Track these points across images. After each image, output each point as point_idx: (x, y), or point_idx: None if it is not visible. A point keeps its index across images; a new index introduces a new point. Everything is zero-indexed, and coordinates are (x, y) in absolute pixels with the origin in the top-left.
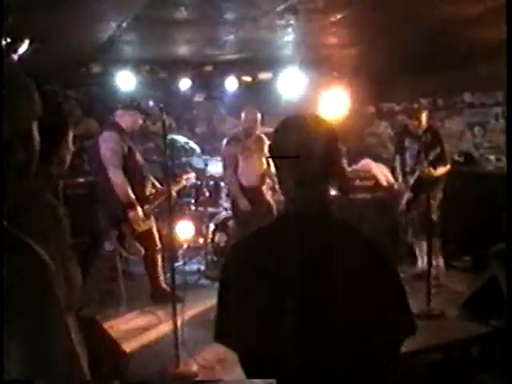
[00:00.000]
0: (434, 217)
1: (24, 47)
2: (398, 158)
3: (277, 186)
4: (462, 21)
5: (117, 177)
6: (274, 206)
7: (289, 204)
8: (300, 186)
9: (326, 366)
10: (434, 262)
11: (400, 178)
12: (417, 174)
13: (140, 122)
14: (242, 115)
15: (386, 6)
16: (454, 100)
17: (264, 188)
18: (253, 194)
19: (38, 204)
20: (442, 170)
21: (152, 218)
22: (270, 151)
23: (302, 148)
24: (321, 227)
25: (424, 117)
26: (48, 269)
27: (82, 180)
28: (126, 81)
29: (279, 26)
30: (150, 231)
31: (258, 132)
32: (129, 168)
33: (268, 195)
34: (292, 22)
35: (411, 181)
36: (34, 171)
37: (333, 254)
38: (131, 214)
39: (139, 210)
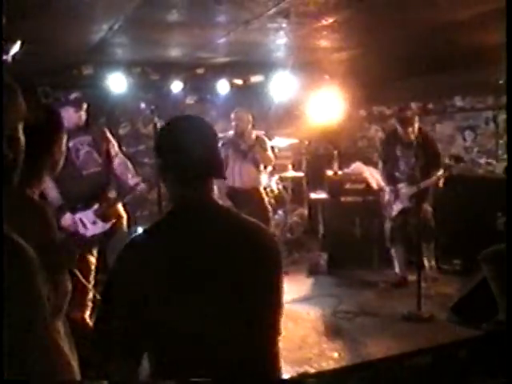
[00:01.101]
0: (432, 223)
1: (15, 49)
2: (384, 165)
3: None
4: (453, 25)
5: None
6: (270, 208)
7: (175, 200)
8: (184, 183)
9: (223, 358)
10: (427, 266)
11: (387, 186)
12: (416, 186)
13: (77, 115)
14: (232, 116)
15: (377, 10)
16: (445, 104)
17: (261, 189)
18: (246, 195)
19: (26, 206)
20: (438, 176)
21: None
22: (156, 152)
23: (184, 147)
24: (206, 218)
25: (416, 123)
26: (32, 263)
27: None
28: (117, 83)
29: (271, 29)
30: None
31: (250, 132)
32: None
33: (265, 197)
34: (284, 25)
35: (404, 190)
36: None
37: (217, 246)
38: (64, 222)
39: (69, 216)
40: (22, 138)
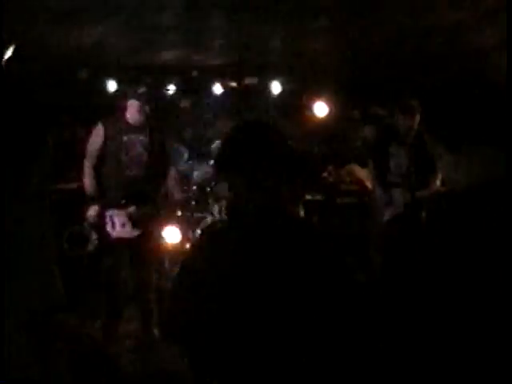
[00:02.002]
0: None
1: (9, 52)
2: (374, 164)
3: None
4: (449, 26)
5: (85, 166)
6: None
7: (240, 207)
8: (253, 189)
9: (276, 369)
10: None
11: (378, 188)
12: (412, 192)
13: (140, 112)
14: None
15: (371, 12)
16: None
17: None
18: None
19: (22, 208)
20: (437, 182)
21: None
22: (220, 157)
23: (255, 153)
24: (276, 229)
25: (418, 115)
26: None
27: (69, 186)
28: (112, 86)
29: (265, 31)
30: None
31: None
32: (115, 162)
33: None
34: (278, 27)
35: (398, 195)
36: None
37: (287, 258)
38: (88, 212)
39: (96, 208)
40: None
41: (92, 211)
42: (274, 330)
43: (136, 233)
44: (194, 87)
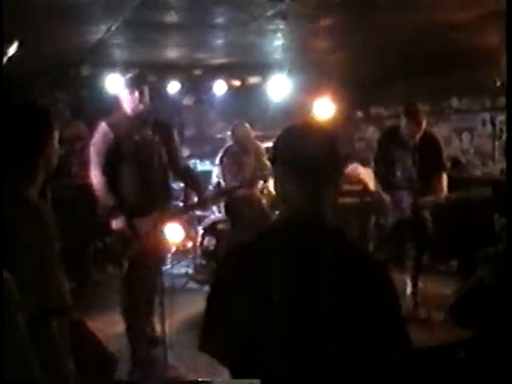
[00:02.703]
0: (431, 233)
1: (13, 49)
2: (378, 167)
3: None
4: (451, 27)
5: (93, 176)
6: (268, 210)
7: (287, 212)
8: (301, 195)
9: (314, 376)
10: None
11: (383, 191)
12: (417, 195)
13: (135, 98)
14: (232, 131)
15: (374, 12)
16: (442, 106)
17: (256, 191)
18: (244, 201)
19: (23, 207)
20: (443, 186)
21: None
22: (273, 158)
23: (307, 157)
24: (317, 239)
25: (424, 121)
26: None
27: (70, 183)
28: (115, 84)
29: (269, 30)
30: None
31: (252, 144)
32: (132, 165)
33: (262, 200)
34: (281, 26)
35: (405, 198)
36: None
37: (328, 269)
38: (114, 223)
39: (121, 219)
40: None
41: (119, 223)
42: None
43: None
44: (196, 85)
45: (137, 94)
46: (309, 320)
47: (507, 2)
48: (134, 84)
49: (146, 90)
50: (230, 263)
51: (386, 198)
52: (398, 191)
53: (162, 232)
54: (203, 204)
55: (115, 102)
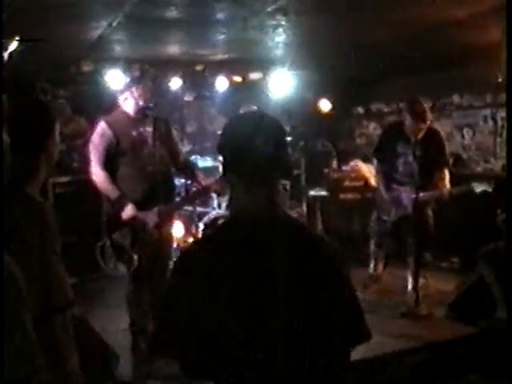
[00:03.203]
0: (432, 230)
1: (14, 45)
2: (380, 163)
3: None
4: (451, 23)
5: (95, 173)
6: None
7: (238, 206)
8: (250, 187)
9: (274, 372)
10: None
11: (385, 187)
12: (419, 191)
13: (148, 94)
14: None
15: (375, 8)
16: (443, 102)
17: None
18: None
19: (23, 203)
20: (445, 181)
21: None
22: (219, 151)
23: (252, 146)
24: (271, 230)
25: (429, 119)
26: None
27: (71, 179)
28: (116, 80)
29: (270, 26)
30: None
31: None
32: (131, 160)
33: None
34: (283, 22)
35: (407, 194)
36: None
37: (283, 258)
38: (124, 214)
39: (130, 207)
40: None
41: (129, 212)
42: (273, 333)
43: (157, 235)
44: (198, 81)
45: (138, 91)
46: (265, 313)
47: (507, 1)
48: (136, 81)
49: (149, 85)
50: (184, 261)
51: (388, 193)
52: (399, 186)
53: (169, 226)
54: (207, 191)
55: (115, 101)
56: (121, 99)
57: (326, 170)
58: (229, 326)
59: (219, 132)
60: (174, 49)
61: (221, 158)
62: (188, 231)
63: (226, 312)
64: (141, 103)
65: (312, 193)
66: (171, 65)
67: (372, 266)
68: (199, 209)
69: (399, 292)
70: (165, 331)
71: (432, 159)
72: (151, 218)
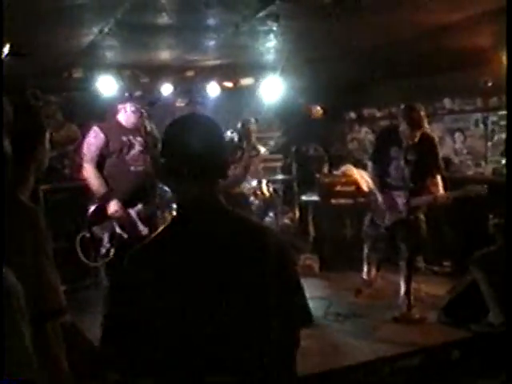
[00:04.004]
0: (424, 234)
1: (5, 52)
2: (375, 166)
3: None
4: (442, 28)
5: (86, 169)
6: (254, 210)
7: (180, 201)
8: (191, 183)
9: (223, 358)
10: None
11: (379, 191)
12: (413, 195)
13: (137, 115)
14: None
15: (366, 13)
16: (434, 106)
17: (244, 189)
18: (231, 199)
19: (15, 208)
20: (439, 186)
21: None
22: (162, 150)
23: (192, 146)
24: (213, 222)
25: (424, 125)
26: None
27: (62, 185)
28: (107, 86)
29: (261, 32)
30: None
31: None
32: (117, 161)
33: (250, 198)
34: (274, 28)
35: (401, 198)
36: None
37: (226, 247)
38: (111, 208)
39: (115, 203)
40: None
41: (114, 206)
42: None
43: (146, 230)
44: (189, 87)
45: (135, 115)
46: (210, 305)
47: (507, 1)
48: (136, 108)
49: (145, 112)
50: (129, 266)
51: (381, 197)
52: (393, 191)
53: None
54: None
55: (111, 111)
56: (117, 113)
57: (318, 175)
58: (175, 323)
59: None
60: (165, 55)
61: (162, 161)
62: None
63: (172, 310)
64: (133, 119)
65: (304, 198)
66: (162, 71)
67: (365, 270)
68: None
69: (392, 296)
70: (111, 344)
71: (425, 164)
72: (132, 214)
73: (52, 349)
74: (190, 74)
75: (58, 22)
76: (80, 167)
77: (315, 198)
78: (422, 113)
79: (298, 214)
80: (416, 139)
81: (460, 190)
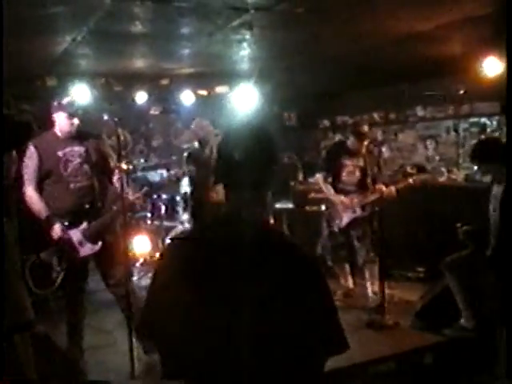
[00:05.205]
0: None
1: None
2: (327, 174)
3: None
4: (415, 37)
5: (26, 193)
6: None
7: (225, 210)
8: (237, 192)
9: (250, 373)
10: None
11: (333, 196)
12: (367, 195)
13: (70, 122)
14: (192, 126)
15: (339, 22)
16: (406, 114)
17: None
18: (213, 208)
19: None
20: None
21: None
22: (217, 153)
23: (242, 155)
24: (254, 235)
25: (368, 138)
26: None
27: None
28: (81, 94)
29: (234, 40)
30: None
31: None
32: (55, 179)
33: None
34: (247, 36)
35: (357, 200)
36: None
37: (264, 263)
38: (53, 233)
39: (58, 226)
40: None
41: (57, 231)
42: (243, 331)
43: (96, 247)
44: (163, 95)
45: (68, 119)
46: (243, 311)
47: (507, 1)
48: (67, 111)
49: (73, 113)
50: (166, 255)
51: (337, 201)
52: (345, 195)
53: (109, 235)
54: (131, 206)
55: (48, 121)
56: (53, 122)
57: (292, 183)
58: (204, 325)
59: (185, 146)
60: (139, 63)
61: (216, 164)
62: (155, 246)
63: (203, 310)
64: (70, 129)
65: (278, 205)
66: (137, 79)
67: (342, 281)
68: (166, 223)
69: (364, 302)
70: (148, 315)
71: (371, 169)
72: (76, 235)
73: (21, 360)
74: (164, 82)
75: (32, 30)
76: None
77: (290, 205)
78: (367, 130)
79: (272, 221)
80: (363, 149)
81: (402, 181)
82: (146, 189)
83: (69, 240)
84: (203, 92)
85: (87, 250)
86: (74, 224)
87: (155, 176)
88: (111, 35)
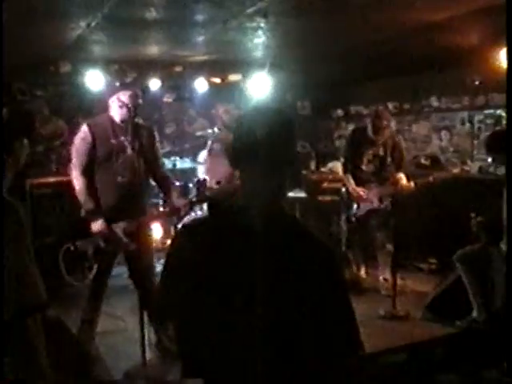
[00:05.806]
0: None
1: None
2: (347, 162)
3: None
4: (430, 27)
5: (74, 178)
6: None
7: (242, 195)
8: (253, 178)
9: (267, 365)
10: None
11: (352, 185)
12: (386, 186)
13: (135, 100)
14: (220, 111)
15: (354, 11)
16: (421, 104)
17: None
18: (228, 195)
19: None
20: (404, 179)
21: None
22: (233, 136)
23: (262, 136)
24: (272, 223)
25: (387, 129)
26: None
27: (49, 180)
28: (95, 80)
29: (249, 28)
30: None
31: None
32: (105, 169)
33: None
34: (262, 24)
35: (375, 190)
36: None
37: (280, 250)
38: (93, 226)
39: (101, 222)
40: None
41: (98, 226)
42: (258, 319)
43: (133, 246)
44: (177, 83)
45: (126, 97)
46: (257, 297)
47: (507, 1)
48: (126, 86)
49: (139, 93)
50: (180, 239)
51: (355, 191)
52: (364, 184)
53: (145, 233)
54: (176, 213)
55: (102, 104)
56: (109, 106)
57: (305, 172)
58: (219, 314)
59: (198, 133)
60: (153, 50)
61: (232, 147)
62: (167, 232)
63: (220, 292)
64: (127, 110)
65: (290, 194)
66: (150, 66)
67: (354, 268)
68: None
69: (376, 292)
70: (164, 297)
71: (391, 160)
72: (118, 231)
73: (34, 342)
74: (177, 69)
75: (46, 15)
76: (68, 162)
77: (302, 194)
78: (387, 121)
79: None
80: (383, 138)
81: (422, 178)
82: (193, 195)
83: (110, 235)
84: (217, 79)
85: (125, 246)
86: (115, 220)
87: (168, 164)
88: (125, 21)
